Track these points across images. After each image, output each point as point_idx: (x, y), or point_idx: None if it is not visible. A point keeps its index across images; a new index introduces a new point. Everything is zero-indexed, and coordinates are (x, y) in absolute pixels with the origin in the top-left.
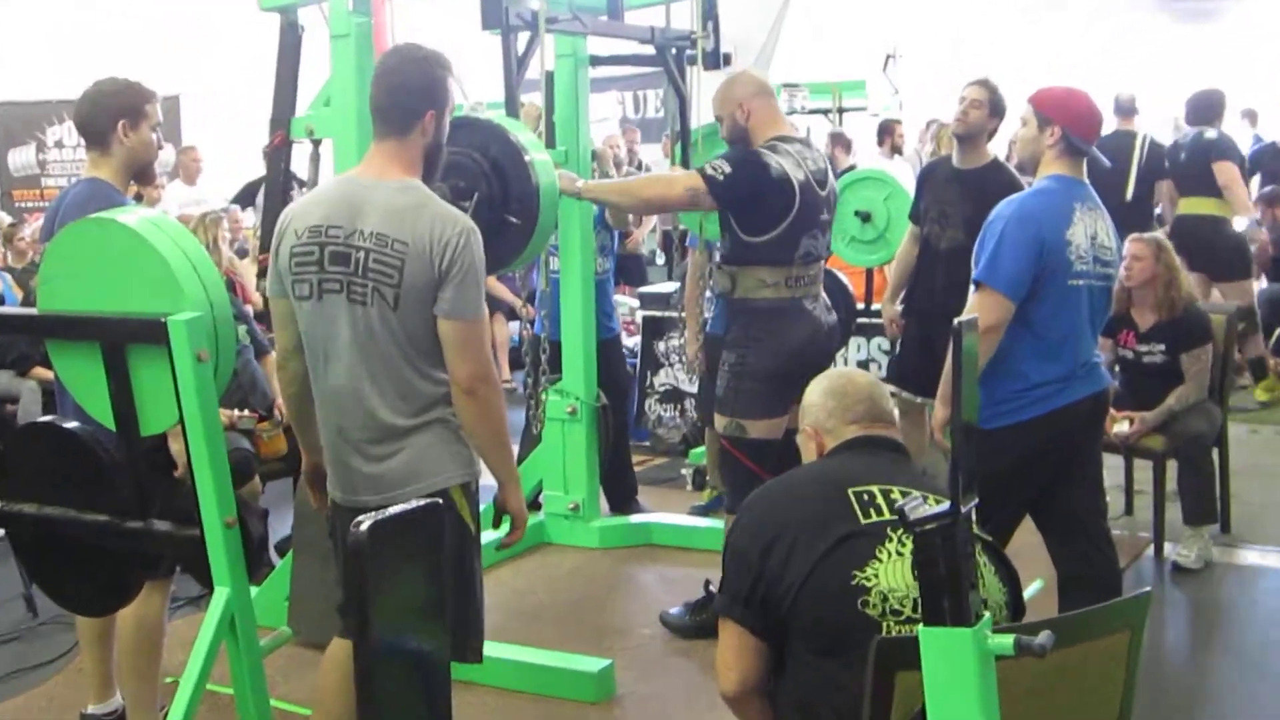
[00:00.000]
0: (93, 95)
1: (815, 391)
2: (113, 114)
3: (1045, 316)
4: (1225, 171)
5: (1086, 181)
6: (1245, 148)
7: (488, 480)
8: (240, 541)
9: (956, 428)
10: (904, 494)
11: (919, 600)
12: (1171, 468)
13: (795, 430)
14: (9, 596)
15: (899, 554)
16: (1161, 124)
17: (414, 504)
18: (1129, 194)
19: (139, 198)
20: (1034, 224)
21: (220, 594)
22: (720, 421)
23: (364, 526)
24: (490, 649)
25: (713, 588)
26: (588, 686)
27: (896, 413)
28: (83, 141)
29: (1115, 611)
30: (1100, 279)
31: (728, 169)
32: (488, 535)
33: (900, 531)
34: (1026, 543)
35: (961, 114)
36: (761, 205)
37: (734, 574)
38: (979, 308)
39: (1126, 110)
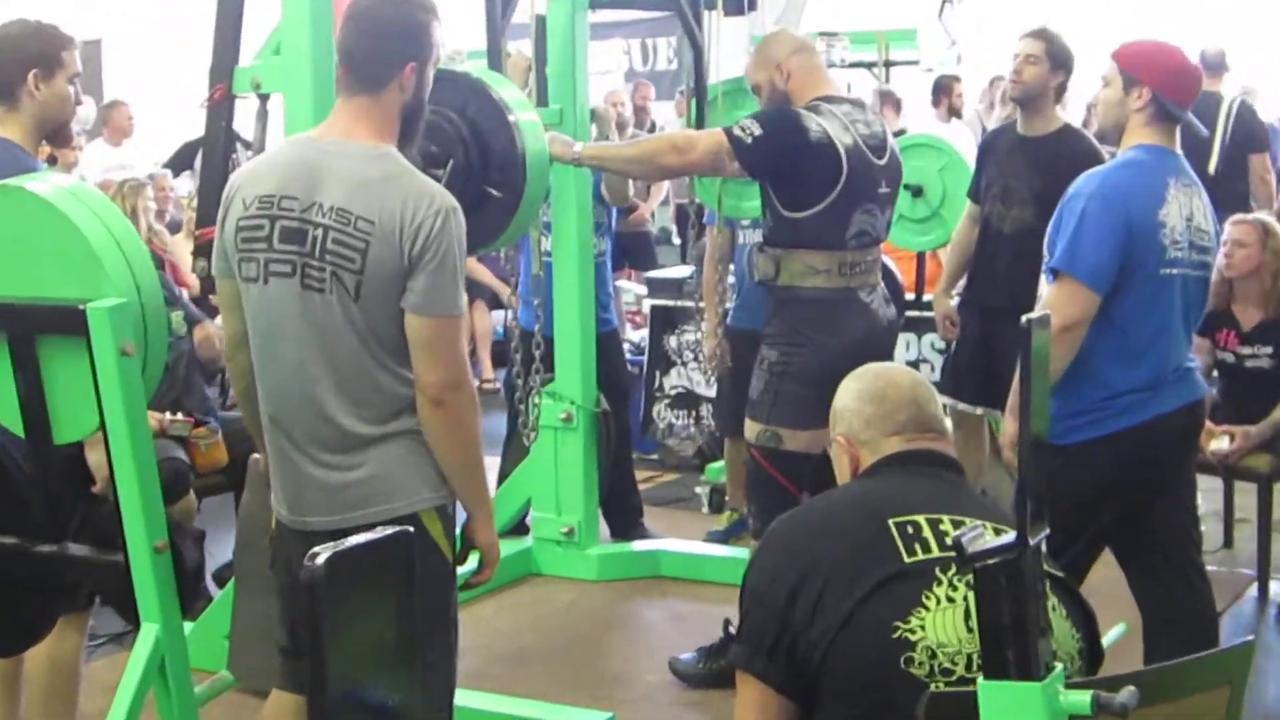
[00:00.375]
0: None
1: (849, 394)
2: (21, 63)
3: (1133, 312)
4: None
5: (1180, 153)
6: None
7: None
8: (172, 569)
9: (1025, 443)
10: (956, 524)
11: (976, 655)
12: (1279, 492)
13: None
14: None
15: (949, 600)
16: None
17: (380, 532)
18: (1212, 167)
19: (53, 160)
20: (1121, 202)
21: (148, 631)
22: (752, 429)
23: (320, 559)
24: (468, 699)
25: (732, 628)
26: None
27: (949, 423)
28: None
29: (1211, 663)
30: (1197, 267)
31: (758, 130)
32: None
33: (952, 572)
34: (1107, 577)
35: (1015, 73)
36: (800, 174)
37: (755, 621)
38: (1056, 301)
39: (1215, 67)
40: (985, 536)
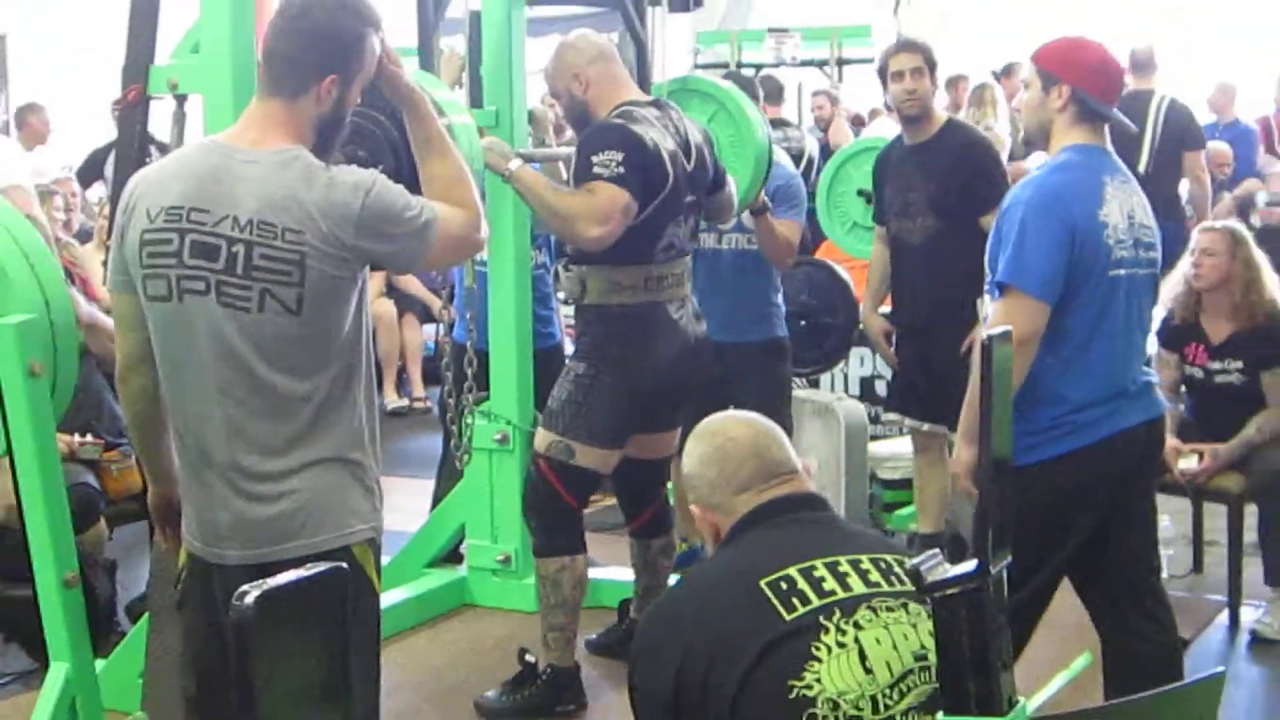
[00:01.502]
0: None
1: (692, 460)
2: None
3: (1085, 319)
4: None
5: (1111, 150)
6: None
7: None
8: (83, 605)
9: (986, 465)
10: (830, 566)
11: (880, 694)
12: (1250, 514)
13: (647, 460)
14: None
15: (840, 645)
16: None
17: (312, 568)
18: (1143, 166)
19: None
20: (1060, 207)
21: (58, 670)
22: (544, 439)
23: (250, 597)
24: None
25: (529, 658)
26: None
27: (802, 464)
28: None
29: (1181, 697)
30: (1144, 265)
31: (617, 156)
32: None
33: (838, 617)
34: (1073, 606)
35: (908, 92)
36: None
37: (645, 706)
38: (1006, 316)
39: (1143, 65)
40: (943, 565)
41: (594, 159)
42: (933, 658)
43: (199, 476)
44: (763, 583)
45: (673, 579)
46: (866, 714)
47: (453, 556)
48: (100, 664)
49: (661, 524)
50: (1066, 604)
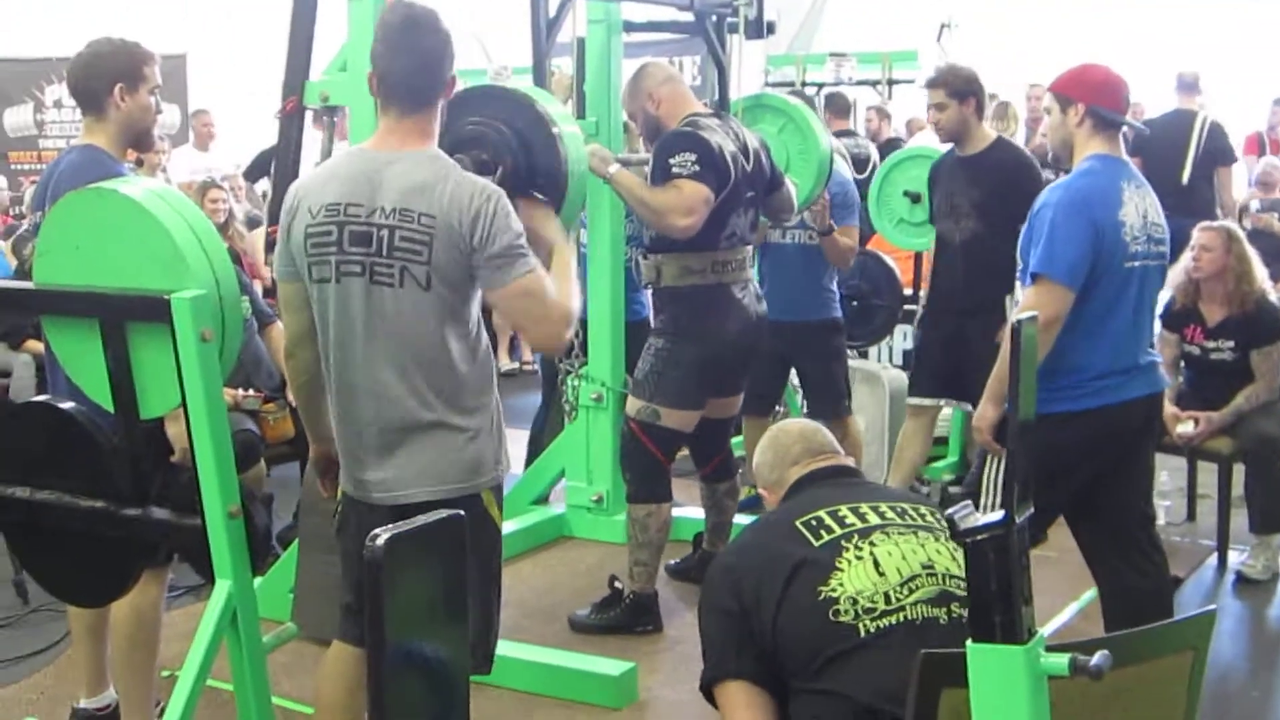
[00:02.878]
0: (87, 57)
1: (756, 455)
2: (108, 77)
3: (1103, 304)
4: None
5: (1127, 158)
6: None
7: None
8: (244, 532)
9: (1013, 429)
10: (852, 509)
11: (892, 590)
12: (1239, 472)
13: (716, 420)
14: None
15: (858, 558)
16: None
17: (434, 515)
18: (1185, 177)
19: (139, 164)
20: (1085, 206)
21: (222, 587)
22: (633, 404)
23: (381, 540)
24: (507, 649)
25: (618, 584)
26: (609, 691)
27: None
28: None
29: (1177, 630)
30: (1155, 257)
31: (691, 157)
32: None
33: (855, 540)
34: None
35: (933, 123)
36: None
37: (713, 636)
38: (1037, 301)
39: (1189, 87)
40: (975, 514)
41: (671, 161)
42: (940, 568)
43: (354, 438)
44: (797, 522)
45: (739, 517)
46: (880, 605)
47: (545, 498)
48: (257, 581)
49: (728, 470)
50: (1075, 544)
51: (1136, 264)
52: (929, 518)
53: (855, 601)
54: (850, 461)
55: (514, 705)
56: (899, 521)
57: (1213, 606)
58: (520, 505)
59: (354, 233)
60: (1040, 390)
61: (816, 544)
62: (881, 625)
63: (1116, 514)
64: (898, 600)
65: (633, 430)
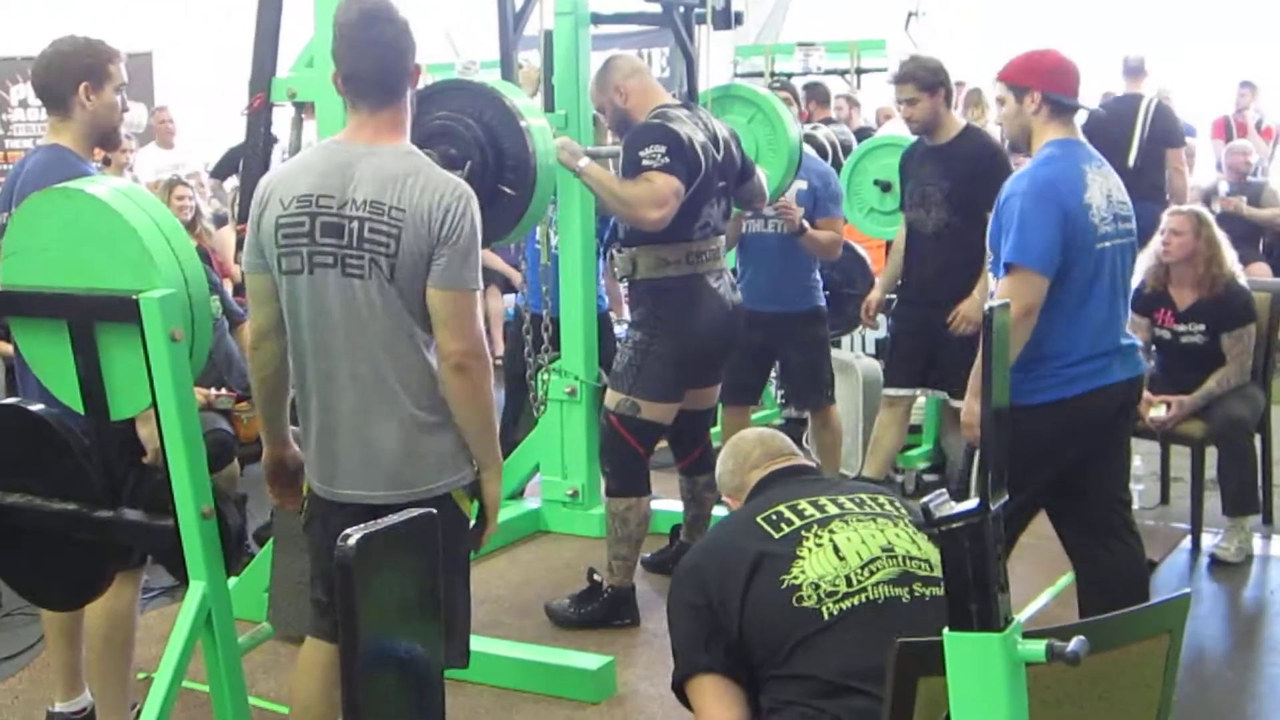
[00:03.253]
0: (50, 56)
1: (718, 465)
2: (73, 76)
3: (1078, 288)
4: None
5: (1085, 140)
6: None
7: None
8: (217, 533)
9: (987, 416)
10: (811, 503)
11: (853, 573)
12: (1211, 455)
13: (694, 411)
14: None
15: (818, 545)
16: None
17: (406, 515)
18: (1131, 160)
19: (106, 163)
20: (1052, 193)
21: (196, 589)
22: (613, 398)
23: (352, 540)
24: (484, 645)
25: (597, 577)
26: (587, 685)
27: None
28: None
29: (1153, 614)
30: (1124, 235)
31: (661, 149)
32: None
33: (814, 530)
34: (1055, 533)
35: (906, 117)
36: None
37: (685, 628)
38: (1012, 291)
39: (1135, 71)
40: (950, 503)
41: (641, 154)
42: (900, 550)
43: (325, 427)
44: (758, 518)
45: (718, 509)
46: (842, 588)
47: (519, 493)
48: (232, 582)
49: (707, 463)
50: (1051, 531)
51: (1107, 244)
52: (888, 506)
53: (817, 587)
54: (810, 462)
55: (492, 701)
56: (858, 510)
57: (1188, 590)
58: None
59: (325, 224)
60: (1023, 381)
61: (777, 536)
62: (844, 607)
63: (1095, 499)
64: (859, 582)
65: (612, 423)
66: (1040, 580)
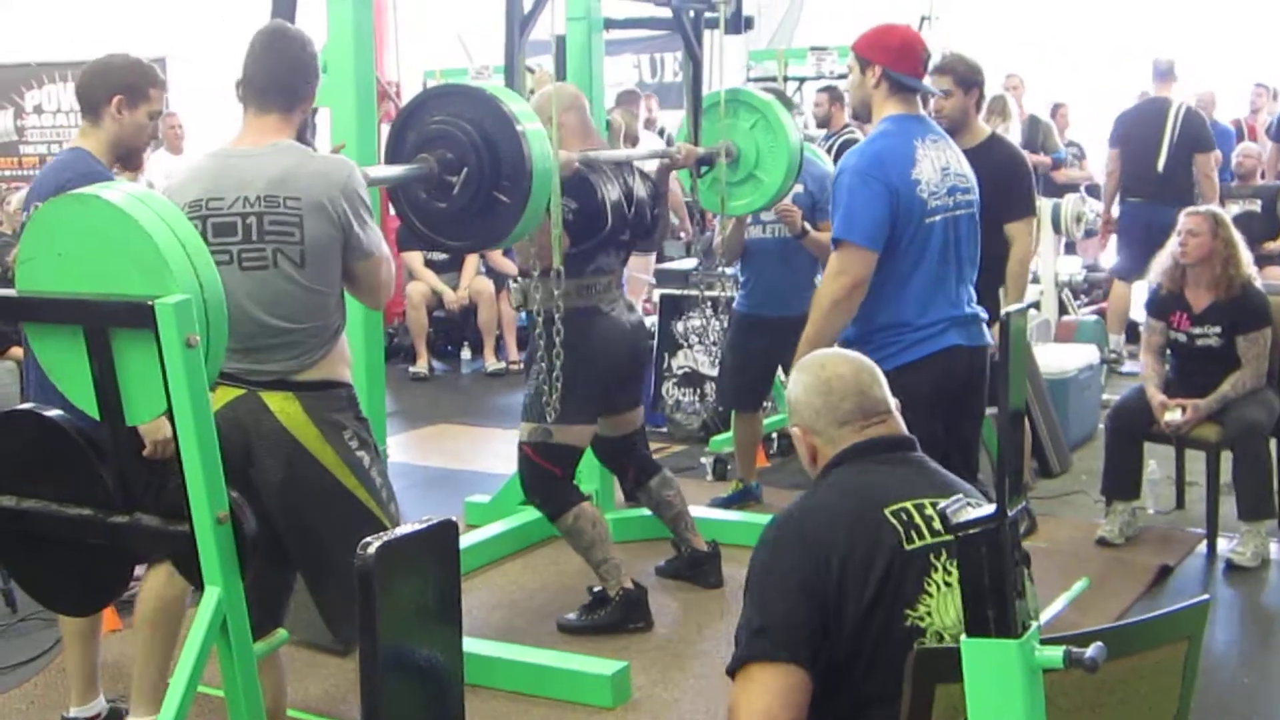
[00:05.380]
0: (96, 64)
1: (798, 386)
2: (110, 87)
3: (907, 259)
4: None
5: (924, 114)
6: None
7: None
8: (233, 538)
9: (1003, 418)
10: (935, 506)
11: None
12: (1226, 459)
13: (617, 437)
14: None
15: (947, 584)
16: None
17: (426, 524)
18: (1160, 165)
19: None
20: (879, 169)
21: (211, 593)
22: (524, 428)
23: (372, 549)
24: (498, 650)
25: (597, 588)
26: (603, 690)
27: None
28: (75, 109)
29: (1172, 620)
30: (962, 207)
31: (574, 205)
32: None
33: (944, 558)
34: (1070, 538)
35: (936, 110)
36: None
37: (778, 611)
38: (841, 266)
39: (1164, 75)
40: (966, 509)
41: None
42: None
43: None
44: (886, 511)
45: (721, 513)
46: None
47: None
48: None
49: (648, 470)
50: (1066, 536)
51: (937, 218)
52: None
53: (942, 639)
54: (903, 427)
55: (507, 706)
56: None
57: (1206, 596)
58: (509, 506)
59: (217, 224)
60: (867, 352)
61: (908, 547)
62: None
63: (951, 461)
64: None
65: (527, 454)
66: (1056, 585)
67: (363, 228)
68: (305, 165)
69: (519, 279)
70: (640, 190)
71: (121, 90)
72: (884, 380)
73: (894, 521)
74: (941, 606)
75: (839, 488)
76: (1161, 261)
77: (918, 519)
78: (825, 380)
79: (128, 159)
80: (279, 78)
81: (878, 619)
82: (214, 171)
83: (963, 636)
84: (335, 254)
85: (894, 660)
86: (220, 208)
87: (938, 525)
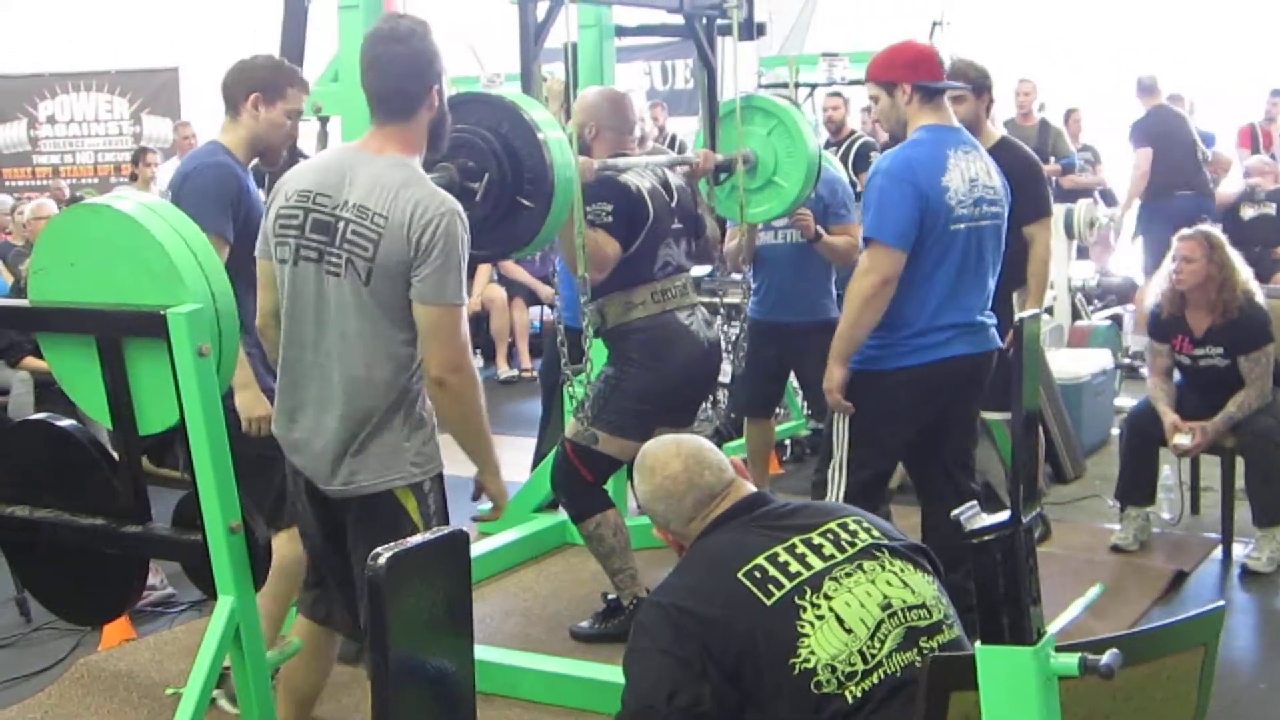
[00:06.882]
0: (240, 63)
1: (642, 494)
2: (248, 85)
3: (927, 262)
4: None
5: (959, 125)
6: None
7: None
8: (245, 547)
9: (1017, 423)
10: (788, 549)
11: (864, 645)
12: (1241, 465)
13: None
14: (0, 600)
15: (819, 618)
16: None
17: (436, 534)
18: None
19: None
20: (909, 173)
21: (224, 603)
22: (572, 427)
23: (382, 559)
24: (513, 658)
25: (611, 597)
26: (617, 698)
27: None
28: (100, 116)
29: (1188, 627)
30: (988, 218)
31: (607, 206)
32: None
33: (808, 595)
34: (1083, 545)
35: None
36: (630, 225)
37: (656, 671)
38: (872, 263)
39: (1149, 90)
40: (981, 515)
41: (588, 209)
42: (896, 603)
43: (291, 407)
44: (739, 574)
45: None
46: (859, 666)
47: (552, 504)
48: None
49: None
50: (1080, 542)
51: (962, 226)
52: (861, 534)
53: (834, 669)
54: (749, 486)
55: (521, 715)
56: (840, 557)
57: (1221, 602)
58: (522, 513)
59: (317, 220)
60: (871, 348)
61: (769, 603)
62: (865, 687)
63: (943, 462)
64: (873, 656)
65: (566, 451)
66: (1071, 591)
67: (437, 271)
68: (407, 189)
69: (590, 302)
70: (675, 179)
71: (259, 88)
72: (714, 457)
73: (748, 585)
74: (821, 640)
75: (699, 561)
76: (1159, 284)
77: (772, 571)
78: (660, 485)
79: (265, 155)
80: (384, 87)
81: (769, 684)
82: (331, 167)
83: (978, 643)
84: (401, 284)
85: (801, 706)
86: (325, 205)
87: (794, 567)
